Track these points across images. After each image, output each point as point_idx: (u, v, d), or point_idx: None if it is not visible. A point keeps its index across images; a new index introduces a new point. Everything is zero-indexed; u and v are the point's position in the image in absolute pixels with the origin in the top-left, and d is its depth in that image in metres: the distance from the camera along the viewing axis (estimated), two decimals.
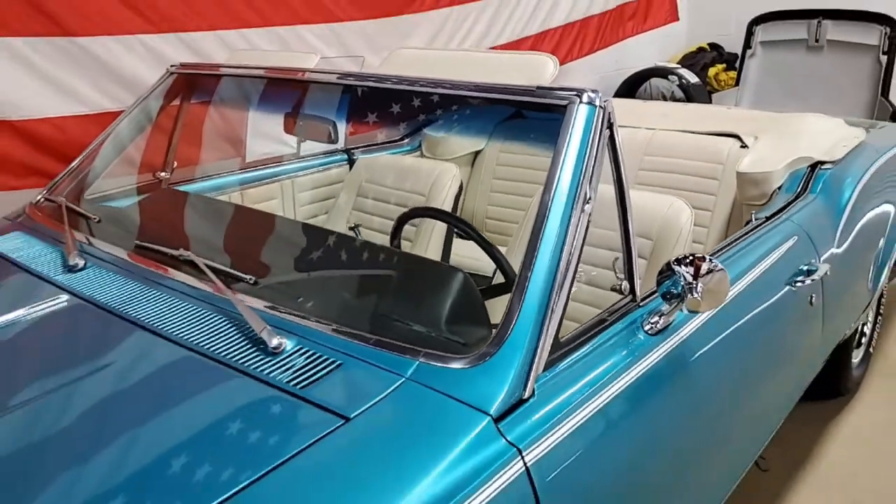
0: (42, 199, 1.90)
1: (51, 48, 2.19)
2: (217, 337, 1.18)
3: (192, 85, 2.12)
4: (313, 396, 1.03)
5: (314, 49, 2.90)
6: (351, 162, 2.75)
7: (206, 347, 1.16)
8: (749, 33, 5.38)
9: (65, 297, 1.37)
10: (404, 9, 3.16)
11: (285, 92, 1.93)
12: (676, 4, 5.16)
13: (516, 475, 0.96)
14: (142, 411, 1.07)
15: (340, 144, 2.81)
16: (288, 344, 1.14)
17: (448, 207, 2.26)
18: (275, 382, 1.07)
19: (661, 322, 1.28)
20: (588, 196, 1.22)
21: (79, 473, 0.96)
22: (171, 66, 2.10)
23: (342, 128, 2.06)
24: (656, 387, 1.26)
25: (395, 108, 1.50)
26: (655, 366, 1.26)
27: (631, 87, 5.51)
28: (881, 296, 2.88)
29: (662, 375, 1.27)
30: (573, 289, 1.18)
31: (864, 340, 2.82)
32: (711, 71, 6.24)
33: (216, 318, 1.24)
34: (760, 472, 2.40)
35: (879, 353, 3.05)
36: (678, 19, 5.25)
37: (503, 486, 0.94)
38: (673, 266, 1.24)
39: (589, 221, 1.21)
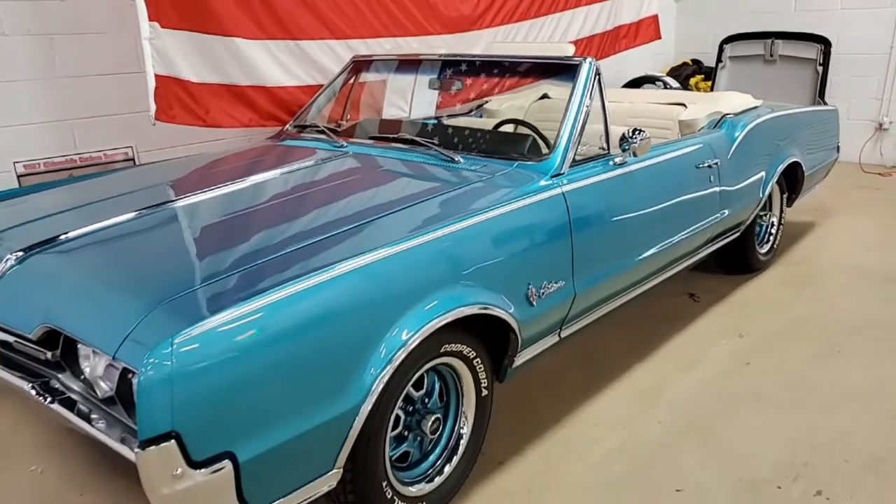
0: (290, 127, 3.51)
1: (284, 46, 3.74)
2: (431, 159, 2.77)
3: (360, 68, 3.71)
4: (478, 170, 2.61)
5: (415, 51, 4.49)
6: None
7: (426, 161, 2.75)
8: (720, 50, 6.66)
9: (349, 152, 2.96)
10: (471, 27, 4.71)
11: (424, 68, 3.53)
12: (659, 27, 6.56)
13: (557, 192, 2.52)
14: (403, 181, 2.66)
15: (432, 113, 4.38)
16: (462, 159, 2.72)
17: None
18: (462, 168, 2.65)
19: (619, 159, 2.83)
20: (587, 104, 2.79)
21: (376, 199, 2.53)
22: (353, 56, 3.70)
23: (458, 85, 3.61)
24: (618, 184, 2.81)
25: (498, 70, 3.09)
26: (616, 176, 2.80)
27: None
28: (781, 212, 4.43)
29: (620, 181, 2.82)
30: (581, 147, 2.75)
31: (770, 239, 4.37)
32: (692, 80, 7.48)
33: (427, 157, 2.81)
34: (694, 303, 3.95)
35: (783, 251, 4.57)
36: (661, 38, 6.54)
37: (553, 193, 2.51)
38: (625, 134, 2.81)
39: (587, 115, 2.78)
